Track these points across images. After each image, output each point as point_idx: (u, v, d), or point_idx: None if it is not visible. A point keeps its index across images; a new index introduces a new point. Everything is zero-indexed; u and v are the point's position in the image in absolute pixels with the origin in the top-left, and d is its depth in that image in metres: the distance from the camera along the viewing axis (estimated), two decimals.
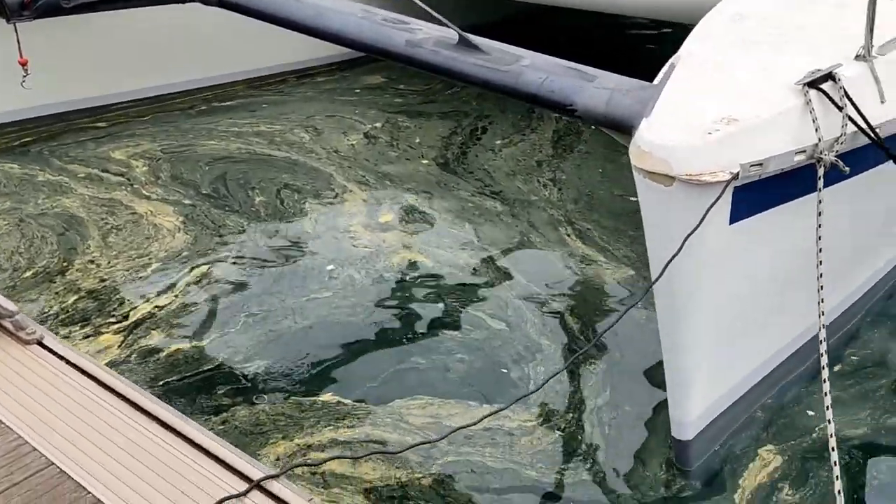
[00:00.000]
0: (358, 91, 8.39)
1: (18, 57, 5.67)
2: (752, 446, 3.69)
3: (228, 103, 8.02)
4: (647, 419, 3.88)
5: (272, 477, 2.59)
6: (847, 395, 4.01)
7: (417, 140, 7.33)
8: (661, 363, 3.53)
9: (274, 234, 5.70)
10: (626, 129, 3.17)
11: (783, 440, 3.74)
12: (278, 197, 6.24)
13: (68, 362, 3.06)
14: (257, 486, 2.55)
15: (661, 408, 3.87)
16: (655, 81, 3.41)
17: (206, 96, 8.05)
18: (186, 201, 6.11)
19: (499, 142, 7.25)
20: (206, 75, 8.01)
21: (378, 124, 7.62)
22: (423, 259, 5.38)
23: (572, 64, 3.70)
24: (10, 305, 3.08)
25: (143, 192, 6.25)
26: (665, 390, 3.53)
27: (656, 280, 2.98)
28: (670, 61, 3.47)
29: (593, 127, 3.56)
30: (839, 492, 2.26)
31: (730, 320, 3.38)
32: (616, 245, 5.39)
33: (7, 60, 5.91)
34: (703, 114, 2.99)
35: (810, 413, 3.91)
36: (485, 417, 3.35)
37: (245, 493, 2.52)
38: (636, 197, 3.12)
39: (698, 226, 2.86)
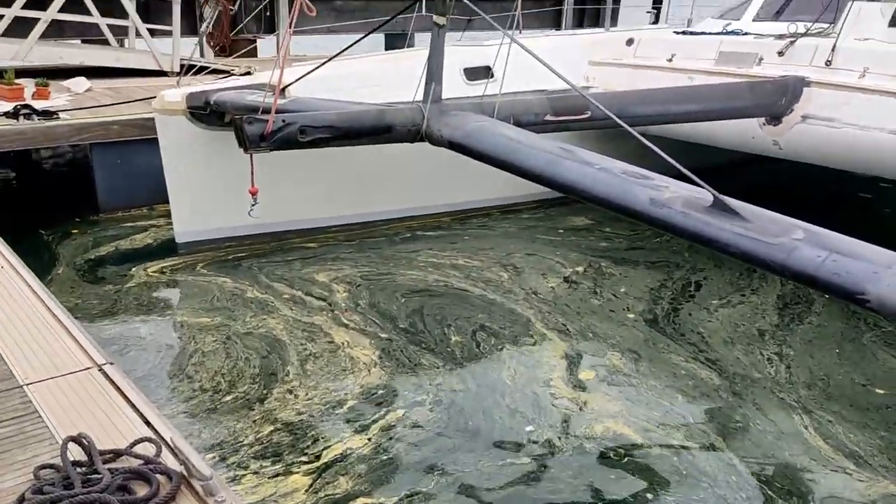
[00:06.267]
0: (561, 231, 8.16)
1: (250, 186, 5.82)
2: None
3: (430, 233, 8.06)
4: None
5: None
6: None
7: (623, 290, 6.89)
8: None
9: (470, 380, 5.40)
10: None
11: None
12: (474, 338, 5.98)
13: None
14: None
15: None
16: None
17: (410, 224, 8.14)
18: (383, 334, 6.00)
19: (714, 301, 6.64)
20: (414, 205, 8.13)
21: (580, 268, 7.28)
22: (629, 433, 4.82)
23: (860, 242, 3.17)
24: (205, 468, 2.81)
25: (343, 318, 6.24)
26: None
27: None
28: None
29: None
30: None
31: None
32: (867, 449, 4.55)
33: (234, 178, 6.19)
34: None
35: None
36: None
37: None
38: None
39: None
